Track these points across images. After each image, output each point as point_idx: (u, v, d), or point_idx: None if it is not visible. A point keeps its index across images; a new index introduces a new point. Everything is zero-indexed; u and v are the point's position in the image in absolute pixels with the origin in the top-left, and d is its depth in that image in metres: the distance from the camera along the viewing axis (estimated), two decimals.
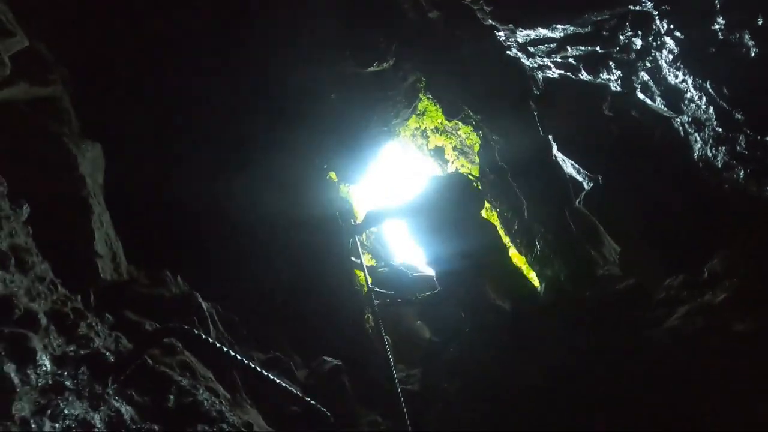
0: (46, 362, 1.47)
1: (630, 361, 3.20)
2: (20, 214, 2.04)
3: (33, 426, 1.28)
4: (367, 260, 7.64)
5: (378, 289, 5.74)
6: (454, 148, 9.21)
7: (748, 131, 2.70)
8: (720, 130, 2.87)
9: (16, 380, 1.32)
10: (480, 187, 7.62)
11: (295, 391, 2.42)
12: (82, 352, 1.74)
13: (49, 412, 1.38)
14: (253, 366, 2.19)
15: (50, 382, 1.45)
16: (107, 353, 1.89)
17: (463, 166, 9.27)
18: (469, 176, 6.42)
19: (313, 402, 2.47)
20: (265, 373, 2.21)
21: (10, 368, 1.31)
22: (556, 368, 3.57)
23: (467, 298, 4.93)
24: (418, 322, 5.59)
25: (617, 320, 3.80)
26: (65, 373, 1.55)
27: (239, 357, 2.22)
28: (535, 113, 5.16)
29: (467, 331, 4.63)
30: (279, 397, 2.59)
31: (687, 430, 2.65)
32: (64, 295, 1.95)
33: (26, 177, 2.34)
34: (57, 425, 1.37)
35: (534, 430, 3.33)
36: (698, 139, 3.18)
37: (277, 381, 2.29)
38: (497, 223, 7.21)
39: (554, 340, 3.93)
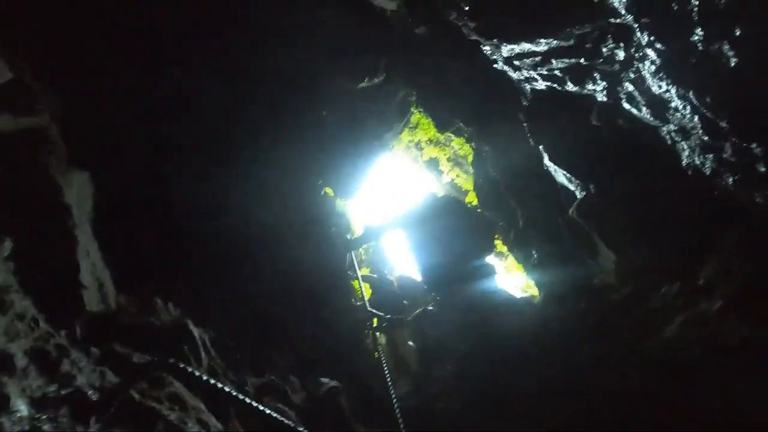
0: (23, 407, 1.44)
1: (627, 371, 3.17)
2: (1, 251, 2.01)
3: None
4: (365, 272, 7.60)
5: (374, 311, 5.71)
6: (449, 159, 9.24)
7: (734, 139, 2.71)
8: (706, 138, 2.88)
9: None
10: (473, 204, 7.64)
11: (286, 422, 2.37)
12: (63, 391, 1.70)
13: None
14: (243, 398, 2.15)
15: (27, 428, 1.41)
16: (90, 391, 1.85)
17: (458, 176, 9.30)
18: (460, 199, 6.51)
19: None
20: (257, 405, 2.17)
21: None
22: (555, 379, 3.53)
23: (460, 311, 4.90)
24: (410, 343, 5.54)
25: (614, 330, 3.77)
26: (44, 416, 1.51)
27: (229, 389, 2.18)
28: (524, 125, 5.19)
29: (462, 348, 4.59)
30: (273, 425, 2.54)
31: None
32: (46, 332, 1.91)
33: (9, 210, 2.31)
34: None
35: None
36: (685, 147, 3.18)
37: (269, 412, 2.25)
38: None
39: (552, 351, 3.89)
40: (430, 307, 5.60)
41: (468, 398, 4.29)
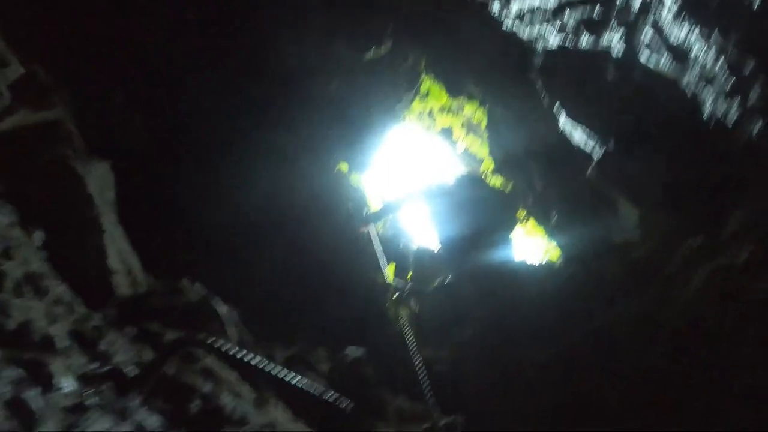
0: (69, 383, 1.54)
1: (649, 334, 3.16)
2: (34, 241, 2.11)
3: None
4: (383, 246, 7.65)
5: (394, 283, 5.79)
6: (462, 127, 9.07)
7: (760, 82, 2.56)
8: (730, 84, 2.73)
9: (40, 404, 1.38)
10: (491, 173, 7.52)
11: (314, 390, 2.47)
12: (104, 368, 1.81)
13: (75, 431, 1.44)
14: (270, 370, 2.24)
15: (74, 402, 1.51)
16: (129, 367, 1.96)
17: (472, 144, 9.14)
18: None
19: (333, 399, 2.52)
20: (285, 376, 2.26)
21: (32, 393, 1.37)
22: (575, 344, 3.55)
23: (479, 281, 4.92)
24: (430, 313, 5.60)
25: (635, 289, 3.73)
26: (89, 391, 1.61)
27: (258, 361, 2.27)
28: (538, 83, 5.02)
29: (482, 315, 4.64)
30: (302, 394, 2.65)
31: (712, 397, 2.61)
32: (82, 315, 2.02)
33: (36, 203, 2.41)
34: None
35: (555, 402, 3.34)
36: (707, 97, 3.03)
37: (297, 382, 2.34)
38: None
39: (573, 315, 3.89)
40: (449, 278, 5.64)
41: (488, 364, 4.37)
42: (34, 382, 1.38)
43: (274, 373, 2.25)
